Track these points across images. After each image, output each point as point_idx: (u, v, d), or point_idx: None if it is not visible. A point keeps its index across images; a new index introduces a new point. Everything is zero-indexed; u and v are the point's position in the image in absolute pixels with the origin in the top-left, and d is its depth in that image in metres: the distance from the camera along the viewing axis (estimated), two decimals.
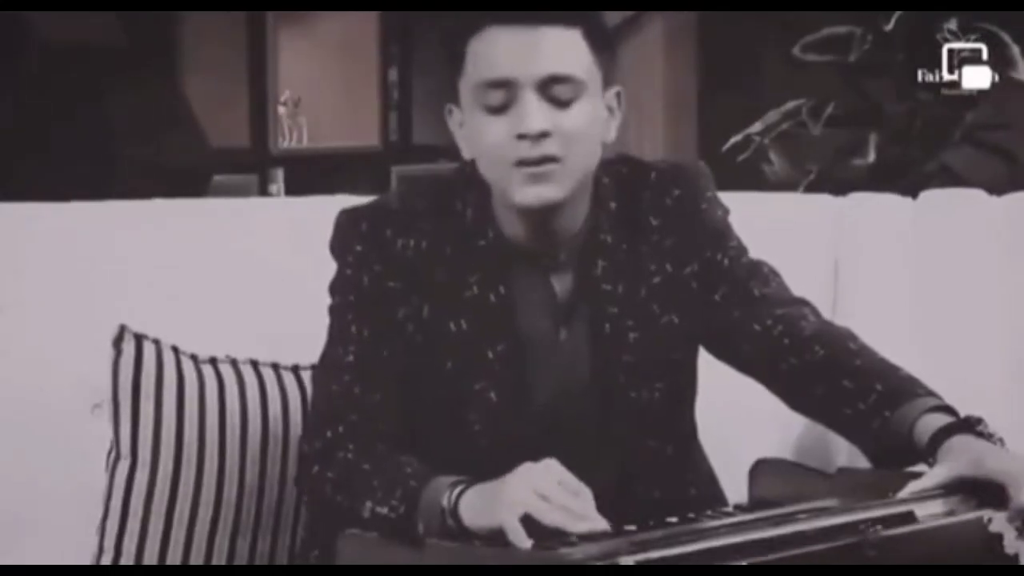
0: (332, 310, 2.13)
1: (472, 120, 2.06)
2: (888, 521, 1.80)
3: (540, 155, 2.02)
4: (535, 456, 1.91)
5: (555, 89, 2.03)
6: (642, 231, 2.14)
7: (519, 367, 2.09)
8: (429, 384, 2.09)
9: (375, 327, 2.09)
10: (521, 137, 2.02)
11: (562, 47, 2.04)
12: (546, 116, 2.02)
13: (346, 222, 2.13)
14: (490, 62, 2.03)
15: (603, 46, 2.08)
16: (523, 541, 1.79)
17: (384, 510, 1.94)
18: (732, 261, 2.17)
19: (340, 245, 2.13)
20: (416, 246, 2.10)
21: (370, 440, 2.04)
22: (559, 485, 1.84)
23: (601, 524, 1.81)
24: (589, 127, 2.05)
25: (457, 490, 1.90)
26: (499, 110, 2.03)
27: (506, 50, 2.03)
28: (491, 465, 1.94)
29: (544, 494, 1.82)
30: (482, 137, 2.05)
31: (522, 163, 2.02)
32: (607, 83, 2.09)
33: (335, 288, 2.13)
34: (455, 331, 2.09)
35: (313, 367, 2.19)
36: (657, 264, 2.14)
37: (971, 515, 1.86)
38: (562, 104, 2.03)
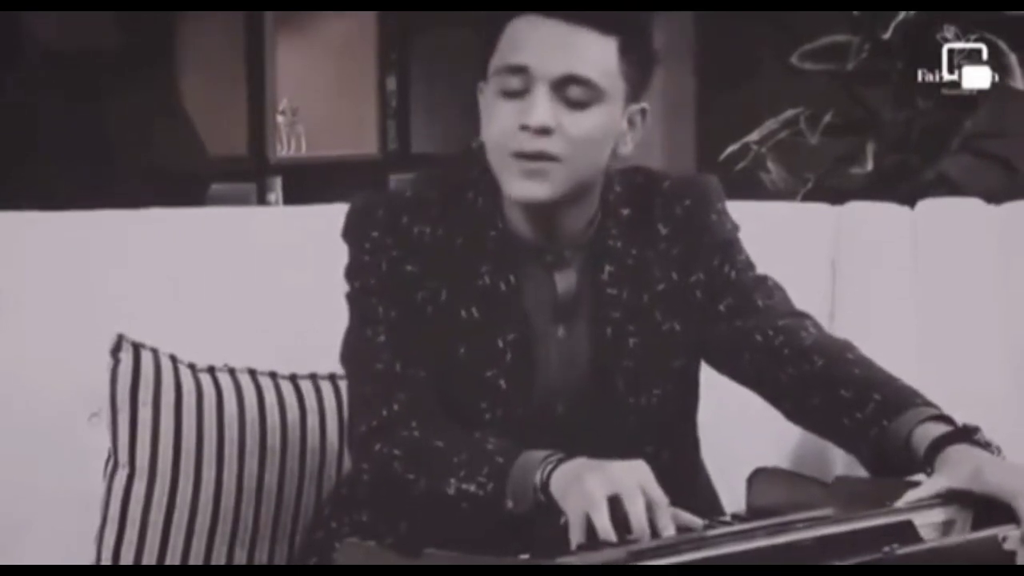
0: (352, 296, 2.12)
1: (490, 101, 2.06)
2: (903, 538, 1.79)
3: (536, 150, 2.02)
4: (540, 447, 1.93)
5: (570, 90, 2.02)
6: (650, 238, 2.14)
7: (528, 357, 2.10)
8: (444, 369, 2.09)
9: (401, 308, 2.09)
10: (523, 128, 2.02)
11: (590, 50, 2.03)
12: (553, 113, 2.02)
13: (361, 209, 2.13)
14: (515, 46, 2.03)
15: (638, 62, 2.07)
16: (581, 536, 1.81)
17: (471, 487, 1.95)
18: (739, 274, 2.17)
19: (355, 231, 2.12)
20: (432, 233, 2.10)
21: (430, 416, 2.05)
22: (638, 487, 1.84)
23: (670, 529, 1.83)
24: (598, 134, 2.05)
25: (549, 467, 1.91)
26: (513, 95, 2.03)
27: (534, 39, 2.02)
28: None
29: (617, 495, 1.82)
30: (491, 120, 2.06)
31: (519, 155, 2.03)
32: (633, 98, 2.08)
33: (352, 274, 2.12)
34: (466, 318, 2.09)
35: (339, 363, 2.17)
36: (663, 271, 2.14)
37: (986, 533, 1.84)
38: (574, 105, 2.03)
